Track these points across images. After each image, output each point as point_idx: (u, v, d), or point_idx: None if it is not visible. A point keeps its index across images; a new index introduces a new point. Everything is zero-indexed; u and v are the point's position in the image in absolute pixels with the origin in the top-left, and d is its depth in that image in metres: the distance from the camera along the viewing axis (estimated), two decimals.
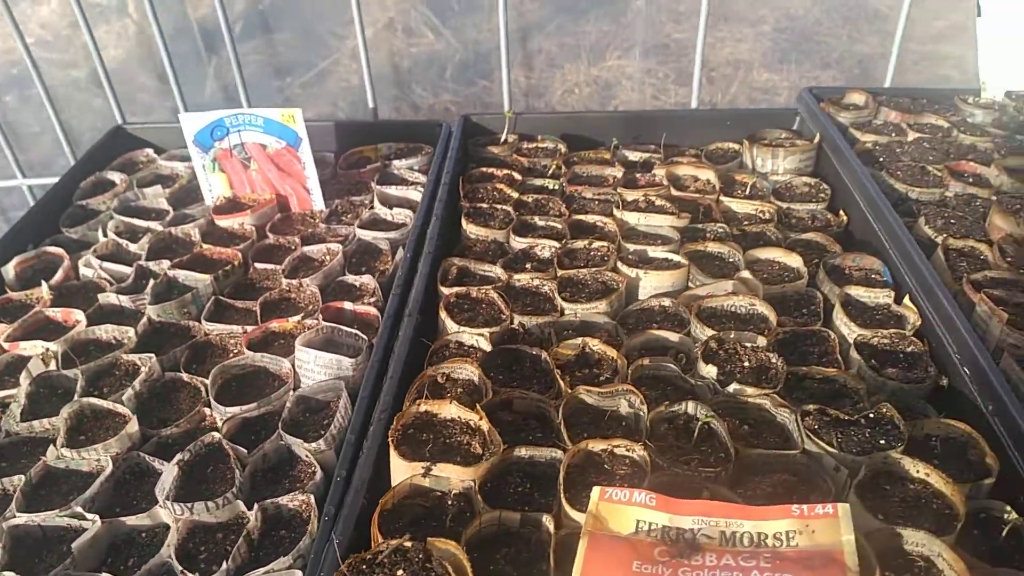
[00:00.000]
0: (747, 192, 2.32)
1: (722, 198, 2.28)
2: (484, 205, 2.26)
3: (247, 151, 2.31)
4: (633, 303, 1.91)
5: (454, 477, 1.38)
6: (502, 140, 2.64)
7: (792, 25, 6.55)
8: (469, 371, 1.65)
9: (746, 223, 2.19)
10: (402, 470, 1.40)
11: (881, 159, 2.33)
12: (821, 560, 1.10)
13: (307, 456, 1.54)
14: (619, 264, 1.97)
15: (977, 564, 1.20)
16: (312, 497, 1.43)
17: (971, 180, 2.20)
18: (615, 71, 6.26)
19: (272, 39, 5.46)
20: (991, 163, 2.22)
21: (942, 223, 2.01)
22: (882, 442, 1.39)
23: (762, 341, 1.66)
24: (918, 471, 1.35)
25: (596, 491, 1.24)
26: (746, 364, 1.62)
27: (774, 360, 1.61)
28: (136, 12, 4.40)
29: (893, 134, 2.43)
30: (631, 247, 2.05)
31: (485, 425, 1.46)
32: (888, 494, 1.34)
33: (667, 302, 1.87)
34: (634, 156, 2.54)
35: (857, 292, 1.85)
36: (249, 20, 5.17)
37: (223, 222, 2.30)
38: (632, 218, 2.17)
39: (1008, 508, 1.31)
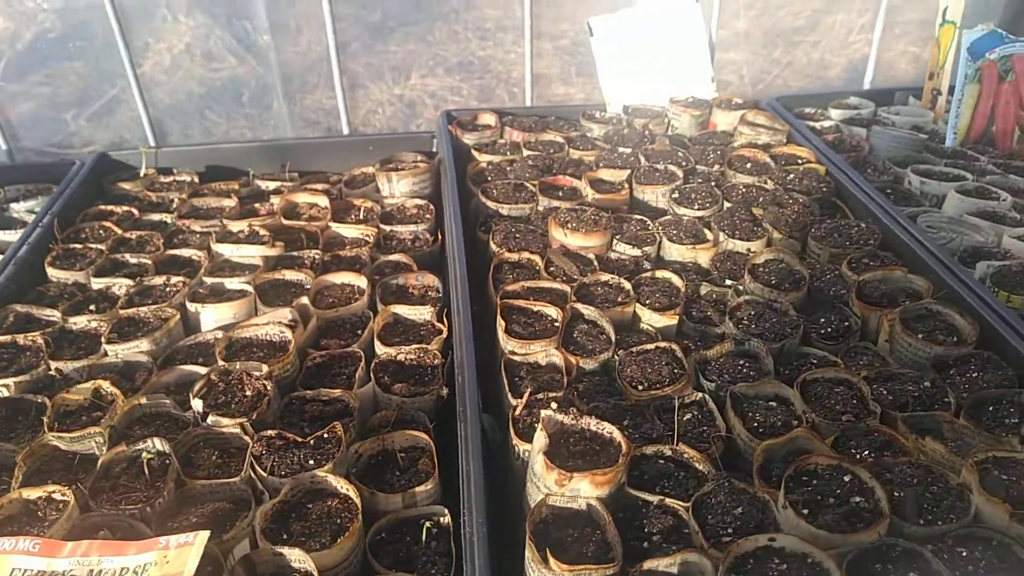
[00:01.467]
0: (360, 216, 2.37)
1: (332, 224, 2.31)
2: (78, 246, 2.21)
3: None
4: (190, 337, 1.90)
5: None
6: (140, 175, 2.59)
7: (590, 40, 6.85)
8: None
9: (346, 247, 2.23)
10: None
11: (489, 178, 2.43)
12: None
13: None
14: (187, 300, 1.96)
15: None
16: None
17: (561, 195, 2.33)
18: (419, 90, 6.32)
19: (59, 69, 5.18)
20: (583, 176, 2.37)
21: (502, 238, 2.11)
22: (312, 462, 1.44)
23: (265, 369, 1.68)
24: (341, 486, 1.40)
25: None
26: (247, 393, 1.64)
27: (269, 387, 1.63)
28: None
29: (509, 153, 2.55)
30: (210, 280, 2.05)
31: None
32: (307, 513, 1.38)
33: (220, 334, 1.87)
34: (269, 185, 2.55)
35: (403, 310, 1.92)
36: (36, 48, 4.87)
37: None
38: (227, 249, 2.17)
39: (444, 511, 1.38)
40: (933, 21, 2.70)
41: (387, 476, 1.50)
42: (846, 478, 1.35)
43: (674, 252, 2.11)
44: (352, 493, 1.38)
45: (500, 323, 1.76)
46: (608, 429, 1.46)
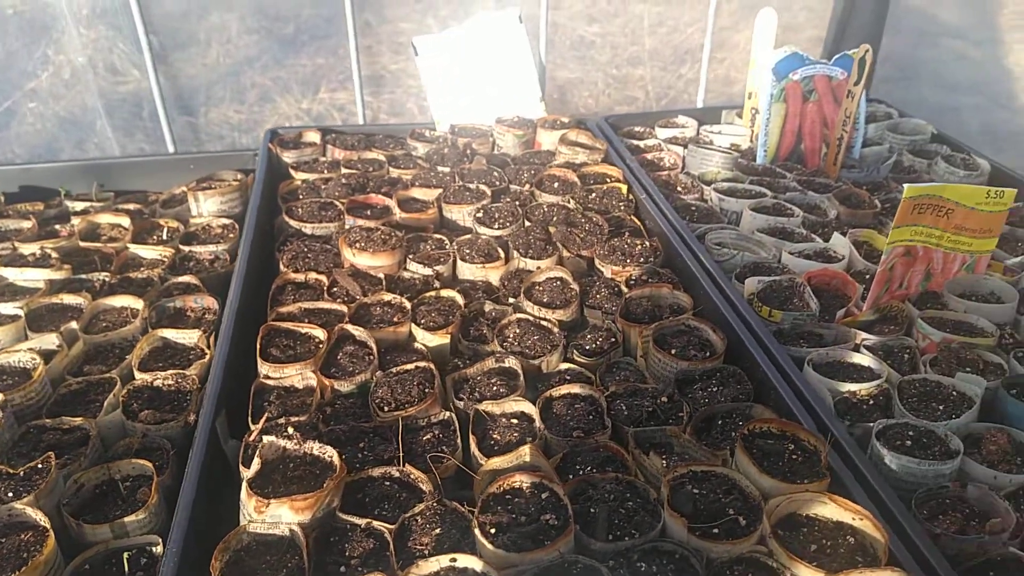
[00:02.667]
0: (163, 237, 2.33)
1: (131, 245, 2.27)
2: None
3: None
4: None
5: None
6: None
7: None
8: None
9: (141, 269, 2.19)
10: None
11: (301, 196, 2.42)
12: None
13: None
14: None
15: None
16: None
17: (369, 213, 2.34)
18: (327, 103, 6.27)
19: None
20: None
21: (290, 258, 2.10)
22: (12, 494, 1.40)
23: (1, 397, 1.63)
24: (40, 519, 1.36)
25: None
26: None
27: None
28: None
29: (327, 171, 2.55)
30: None
31: None
32: None
33: None
34: (77, 206, 2.49)
35: (171, 334, 1.89)
36: None
37: None
38: (11, 273, 2.11)
39: None
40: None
41: (107, 506, 1.47)
42: (544, 495, 1.38)
43: (466, 271, 2.13)
44: (47, 524, 1.34)
45: (258, 346, 1.75)
46: (330, 453, 1.46)
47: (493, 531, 1.30)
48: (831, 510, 1.35)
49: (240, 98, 6.39)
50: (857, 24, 3.04)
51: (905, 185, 1.81)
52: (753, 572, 1.27)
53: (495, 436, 1.60)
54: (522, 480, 1.41)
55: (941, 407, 1.66)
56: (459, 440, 1.58)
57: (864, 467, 1.46)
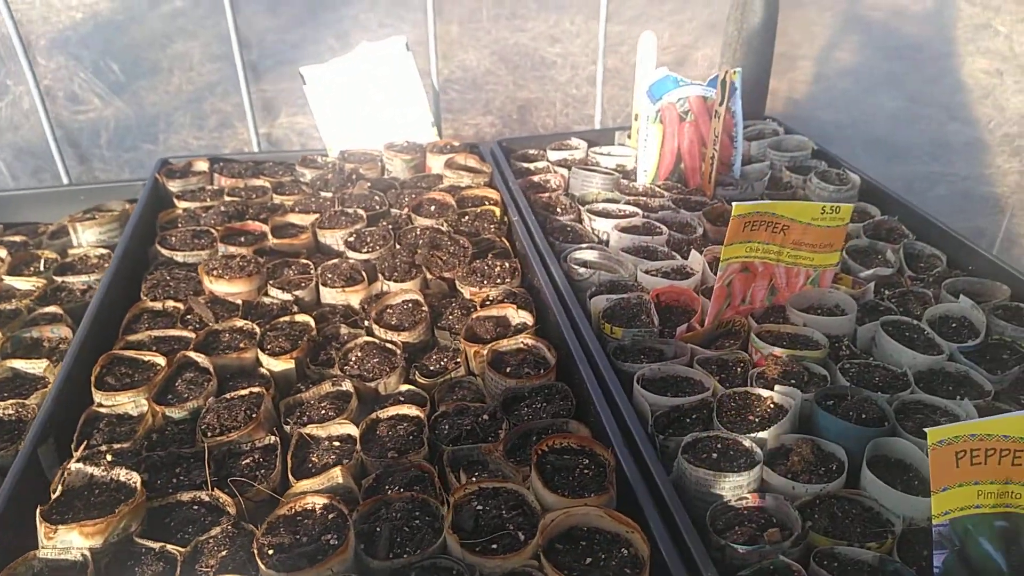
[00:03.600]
0: (39, 268, 2.37)
1: (7, 277, 2.30)
2: None
3: None
4: None
5: None
6: None
7: (464, 76, 7.00)
8: None
9: (12, 301, 2.23)
10: None
11: (179, 224, 2.47)
12: None
13: None
14: None
15: None
16: None
17: (243, 240, 2.38)
18: (286, 128, 6.35)
19: None
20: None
21: (149, 287, 2.14)
22: None
23: None
24: None
25: None
26: None
27: None
28: None
29: (209, 199, 2.59)
30: None
31: None
32: None
33: None
34: None
35: (20, 364, 1.92)
36: None
37: None
38: None
39: None
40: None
41: None
42: (331, 516, 1.41)
43: (328, 295, 2.17)
44: None
45: (93, 374, 1.79)
46: (135, 479, 1.49)
47: (271, 552, 1.33)
48: (608, 523, 1.38)
49: (200, 124, 6.47)
50: (748, 46, 3.11)
51: (733, 204, 1.86)
52: None
53: (313, 459, 1.63)
54: (314, 502, 1.44)
55: (757, 419, 1.70)
56: (279, 464, 1.61)
57: (660, 481, 1.50)
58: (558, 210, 2.61)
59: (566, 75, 6.77)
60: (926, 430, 1.29)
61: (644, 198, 2.63)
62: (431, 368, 1.92)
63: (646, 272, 2.19)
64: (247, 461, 1.62)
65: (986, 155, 5.78)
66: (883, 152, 5.83)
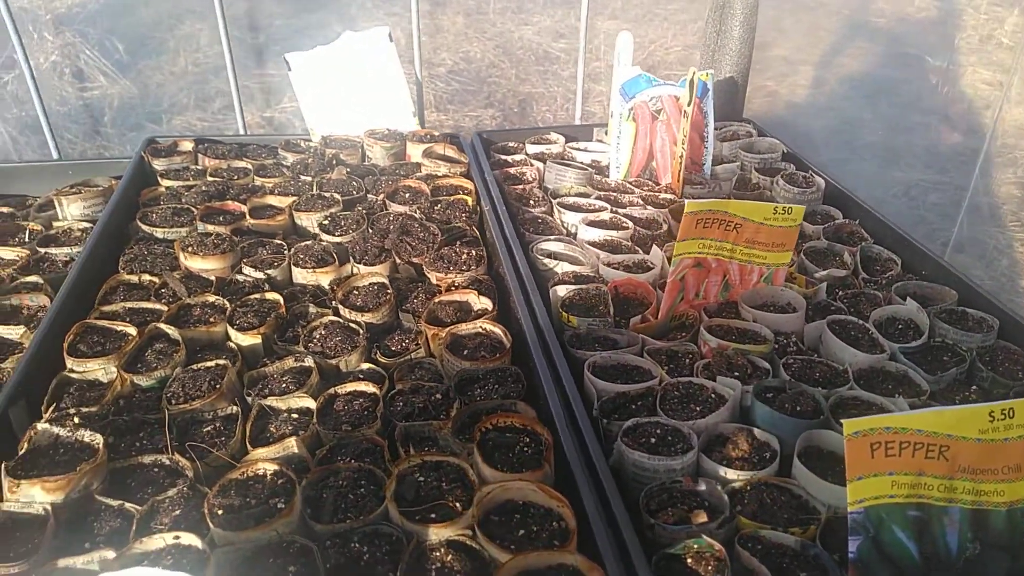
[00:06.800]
0: (24, 239, 2.44)
1: None
2: None
3: None
4: None
5: None
6: None
7: (468, 68, 7.05)
8: None
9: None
10: None
11: (161, 202, 2.54)
12: None
13: None
14: None
15: None
16: None
17: (222, 219, 2.45)
18: (289, 113, 6.40)
19: None
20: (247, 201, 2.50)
21: (127, 260, 2.22)
22: None
23: None
24: None
25: None
26: None
27: None
28: None
29: (192, 179, 2.66)
30: None
31: None
32: None
33: None
34: None
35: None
36: None
37: None
38: None
39: None
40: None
41: None
42: (280, 481, 1.49)
43: (299, 275, 2.25)
44: None
45: (65, 342, 1.86)
46: (97, 440, 1.57)
47: (220, 512, 1.41)
48: (541, 498, 1.46)
49: (204, 106, 6.53)
50: (726, 49, 3.18)
51: (686, 201, 1.94)
52: (457, 552, 1.38)
53: (271, 429, 1.71)
54: (266, 468, 1.52)
55: (698, 408, 1.78)
56: (238, 432, 1.69)
57: (597, 461, 1.58)
58: (531, 202, 2.68)
59: (569, 70, 6.83)
60: (843, 421, 1.37)
61: (615, 194, 2.70)
62: (392, 348, 1.99)
63: (607, 264, 2.27)
64: (208, 429, 1.70)
65: (982, 165, 5.85)
66: (878, 158, 5.90)
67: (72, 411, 1.70)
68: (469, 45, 7.35)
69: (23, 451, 1.53)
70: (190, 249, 2.19)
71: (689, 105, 2.54)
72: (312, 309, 2.11)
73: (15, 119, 6.15)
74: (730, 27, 3.14)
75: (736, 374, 1.86)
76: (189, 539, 1.36)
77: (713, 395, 1.80)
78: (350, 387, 1.81)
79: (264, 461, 1.52)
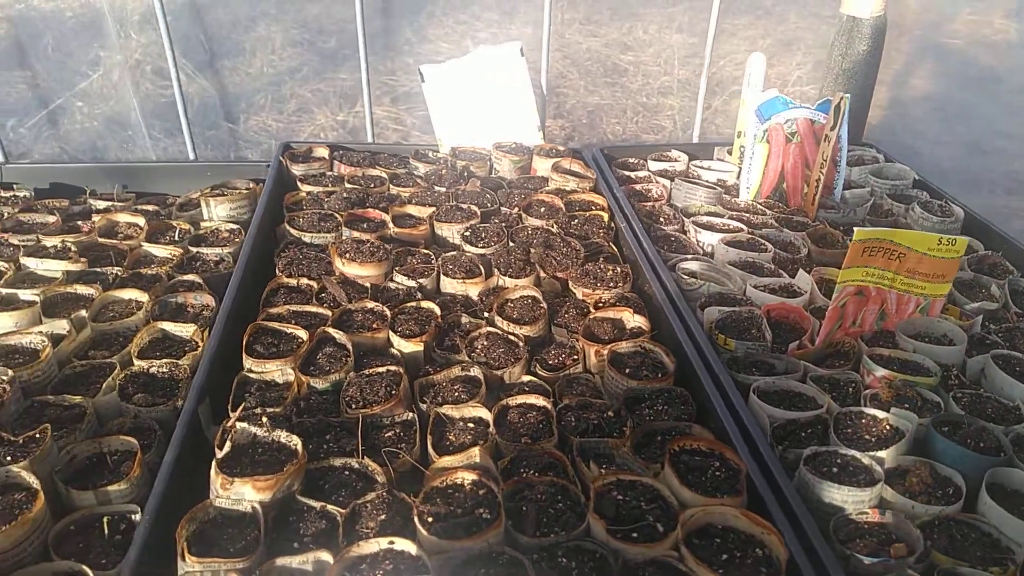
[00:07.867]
0: (175, 238, 2.52)
1: (144, 244, 2.46)
2: None
3: None
4: None
5: None
6: None
7: (535, 79, 7.13)
8: None
9: (152, 266, 2.37)
10: None
11: (304, 207, 2.60)
12: None
13: None
14: None
15: None
16: None
17: (365, 226, 2.50)
18: (363, 117, 6.52)
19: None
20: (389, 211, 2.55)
21: (284, 264, 2.27)
22: (10, 458, 1.57)
23: (10, 373, 1.81)
24: (33, 481, 1.53)
25: None
26: None
27: (8, 389, 1.76)
28: None
29: (331, 185, 2.72)
30: (4, 291, 2.18)
31: None
32: None
33: None
34: (99, 204, 2.69)
35: (170, 326, 2.06)
36: None
37: None
38: (33, 263, 2.31)
39: None
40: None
41: (95, 476, 1.63)
42: (481, 492, 1.51)
43: (448, 285, 2.28)
44: (38, 487, 1.51)
45: (244, 342, 1.91)
46: (295, 442, 1.61)
47: (430, 520, 1.43)
48: (744, 524, 1.46)
49: (279, 108, 6.67)
50: (851, 73, 3.15)
51: (855, 228, 1.93)
52: (663, 573, 1.39)
53: (451, 437, 1.73)
54: (464, 477, 1.54)
55: (873, 439, 1.76)
56: (418, 439, 1.72)
57: (785, 488, 1.57)
58: (661, 219, 2.69)
59: (637, 83, 6.82)
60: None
61: (746, 214, 2.69)
62: (551, 362, 2.01)
63: (755, 287, 2.26)
64: (389, 434, 1.74)
65: None
66: (956, 182, 5.79)
67: (258, 411, 1.75)
68: (537, 56, 7.40)
69: (227, 449, 1.57)
70: (348, 255, 2.24)
71: (833, 129, 2.53)
72: (465, 319, 2.14)
73: (101, 114, 6.34)
74: (857, 51, 3.11)
75: (906, 406, 1.84)
76: (403, 544, 1.39)
77: (888, 427, 1.78)
78: (520, 399, 1.83)
79: (462, 470, 1.54)
